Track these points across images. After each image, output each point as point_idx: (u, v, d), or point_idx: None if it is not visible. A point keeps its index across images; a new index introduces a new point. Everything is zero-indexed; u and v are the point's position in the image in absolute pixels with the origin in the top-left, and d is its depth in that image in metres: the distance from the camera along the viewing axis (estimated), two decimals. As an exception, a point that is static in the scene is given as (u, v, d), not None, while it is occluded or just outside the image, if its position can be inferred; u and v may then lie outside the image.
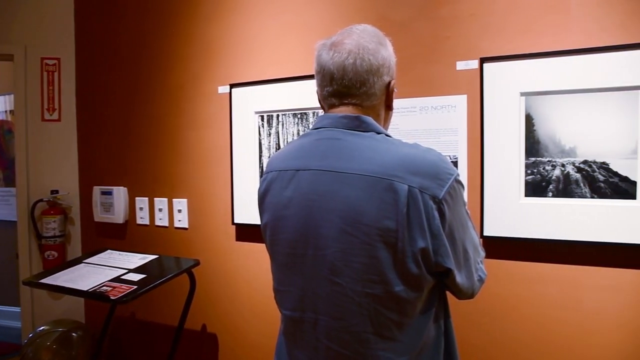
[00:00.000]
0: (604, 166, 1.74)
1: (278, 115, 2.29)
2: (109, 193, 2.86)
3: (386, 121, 1.24)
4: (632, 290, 1.75)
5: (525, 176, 1.83)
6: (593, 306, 1.80)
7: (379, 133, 1.12)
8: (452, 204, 1.06)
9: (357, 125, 1.11)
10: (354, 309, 1.06)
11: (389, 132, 1.21)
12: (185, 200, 2.66)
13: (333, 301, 1.08)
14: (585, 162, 1.76)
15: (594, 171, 1.75)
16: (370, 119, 1.13)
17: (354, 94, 1.13)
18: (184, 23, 2.64)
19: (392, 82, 1.18)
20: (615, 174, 1.72)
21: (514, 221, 1.85)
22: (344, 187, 1.05)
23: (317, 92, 1.20)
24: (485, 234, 1.88)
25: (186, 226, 2.67)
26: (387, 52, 1.17)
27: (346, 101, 1.15)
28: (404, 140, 1.13)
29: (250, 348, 2.49)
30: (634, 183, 1.70)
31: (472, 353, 1.96)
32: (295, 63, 2.28)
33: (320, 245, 1.08)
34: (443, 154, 1.86)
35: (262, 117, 2.34)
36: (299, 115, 2.23)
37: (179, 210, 2.64)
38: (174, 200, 2.69)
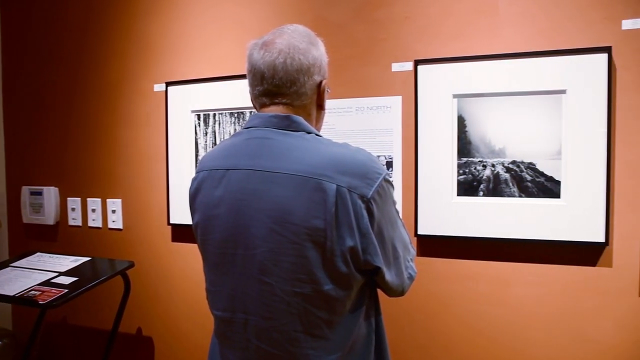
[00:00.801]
0: (531, 166, 1.80)
1: (215, 114, 2.26)
2: (39, 193, 2.74)
3: (318, 121, 1.24)
4: (556, 285, 1.82)
5: (458, 176, 1.87)
6: (520, 301, 1.86)
7: (309, 133, 1.12)
8: (380, 203, 1.07)
9: (287, 124, 1.11)
10: (284, 309, 1.06)
11: (323, 131, 1.22)
12: (119, 200, 2.58)
13: (263, 301, 1.07)
14: (513, 162, 1.81)
15: (521, 171, 1.81)
16: (300, 119, 1.13)
17: (285, 93, 1.13)
18: (120, 18, 2.57)
19: (324, 82, 1.18)
20: (542, 174, 1.79)
21: (446, 220, 1.89)
22: (273, 186, 1.05)
23: (250, 92, 1.20)
24: (419, 232, 1.91)
25: (120, 227, 2.59)
26: (319, 52, 1.17)
27: (277, 100, 1.14)
28: (334, 140, 1.13)
29: (187, 350, 2.44)
30: (559, 183, 1.77)
31: (407, 349, 2.00)
32: (232, 62, 2.26)
33: (250, 245, 1.07)
34: (378, 154, 1.92)
35: (199, 116, 2.30)
36: (235, 115, 2.21)
37: (113, 211, 2.56)
38: (107, 200, 2.60)
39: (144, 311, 2.55)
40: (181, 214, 2.35)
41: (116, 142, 2.59)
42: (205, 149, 2.28)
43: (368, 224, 1.04)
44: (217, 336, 1.22)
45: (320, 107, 1.21)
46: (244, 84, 2.11)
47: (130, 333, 2.59)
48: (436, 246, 1.94)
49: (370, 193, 1.04)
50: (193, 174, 2.26)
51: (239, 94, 2.17)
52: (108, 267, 2.33)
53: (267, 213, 1.04)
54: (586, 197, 1.75)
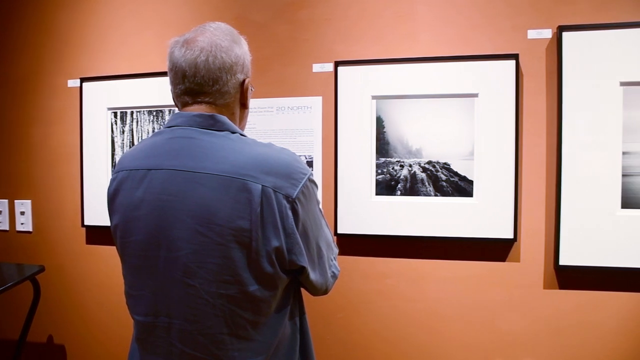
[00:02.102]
0: (446, 166, 1.86)
1: (132, 112, 2.19)
2: (-62, 195, 2.54)
3: (242, 120, 1.23)
4: (470, 280, 1.90)
5: (376, 176, 1.91)
6: (436, 296, 1.92)
7: (233, 132, 1.10)
8: (305, 203, 1.08)
9: (212, 124, 1.09)
10: (209, 311, 1.04)
11: (245, 131, 1.20)
12: (29, 201, 2.44)
13: (187, 304, 1.05)
14: (429, 162, 1.87)
15: (437, 171, 1.87)
16: (225, 118, 1.11)
17: (207, 92, 1.11)
18: (31, 8, 2.44)
19: (247, 81, 1.17)
20: (456, 173, 1.86)
21: (365, 219, 1.92)
22: (198, 187, 1.02)
23: (171, 90, 1.17)
24: (339, 231, 1.93)
25: (30, 229, 2.45)
26: (242, 50, 1.16)
27: (199, 99, 1.12)
28: (258, 140, 1.12)
29: (103, 358, 2.34)
30: (471, 182, 1.85)
31: (330, 347, 2.01)
32: (151, 59, 2.20)
33: (173, 247, 1.04)
34: (299, 153, 1.92)
35: (116, 113, 2.22)
36: (154, 113, 2.15)
37: (22, 213, 2.42)
38: (15, 201, 2.46)
39: (55, 318, 2.43)
40: (96, 215, 2.26)
41: (25, 140, 2.46)
42: (123, 148, 2.21)
43: (293, 224, 1.04)
44: (137, 342, 1.17)
45: (244, 106, 1.20)
46: (163, 81, 2.08)
47: (40, 342, 2.45)
48: (355, 244, 1.97)
49: (295, 193, 1.05)
50: (109, 174, 2.21)
51: (158, 91, 2.11)
52: (16, 272, 2.19)
53: (191, 214, 1.02)
54: (496, 196, 1.84)
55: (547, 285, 1.86)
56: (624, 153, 1.77)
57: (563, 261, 1.81)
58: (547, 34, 1.84)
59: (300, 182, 1.06)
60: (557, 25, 1.82)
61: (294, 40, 2.02)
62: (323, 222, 1.21)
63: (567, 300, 1.85)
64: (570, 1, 1.83)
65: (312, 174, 1.11)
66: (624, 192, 1.78)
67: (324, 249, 1.18)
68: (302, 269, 1.10)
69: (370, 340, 1.98)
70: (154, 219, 1.06)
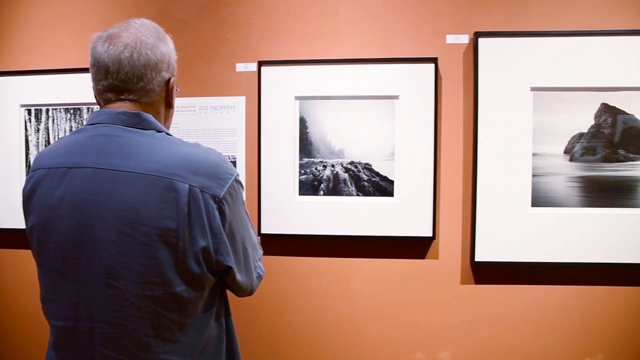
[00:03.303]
0: (367, 167, 1.90)
1: (48, 110, 2.10)
2: None
3: (167, 119, 1.20)
4: (391, 278, 1.94)
5: (300, 176, 1.92)
6: (360, 294, 1.96)
7: (159, 131, 1.08)
8: (232, 204, 1.07)
9: (137, 122, 1.06)
10: (134, 313, 1.01)
11: (170, 130, 1.18)
12: None
13: (110, 306, 1.01)
14: (352, 162, 1.90)
15: (359, 171, 1.90)
16: (151, 117, 1.08)
17: (131, 89, 1.08)
18: None
19: (172, 79, 1.15)
20: (377, 174, 1.90)
21: (289, 219, 1.93)
22: (122, 186, 1.00)
23: (93, 87, 1.12)
24: (262, 231, 1.93)
25: None
26: (167, 48, 1.14)
27: (123, 97, 1.09)
28: (184, 140, 1.11)
29: (18, 367, 2.24)
30: (392, 182, 1.89)
31: (255, 347, 2.01)
32: (68, 54, 2.11)
33: (96, 248, 1.00)
34: (222, 154, 1.90)
35: (30, 111, 2.12)
36: (72, 111, 2.07)
37: None
38: None
39: (-35, 326, 2.30)
40: (7, 217, 2.15)
41: None
42: (37, 147, 2.11)
43: (220, 224, 1.04)
44: (54, 349, 1.12)
45: (169, 105, 1.18)
46: (82, 78, 2.01)
47: (-52, 351, 2.32)
48: (279, 244, 1.97)
49: (223, 193, 1.04)
50: (23, 175, 2.11)
51: (76, 88, 2.03)
52: None
53: (115, 214, 0.99)
54: (416, 196, 1.89)
55: (464, 281, 1.93)
56: (534, 154, 1.86)
57: (478, 257, 1.88)
58: (465, 39, 1.91)
59: (228, 183, 1.06)
60: (473, 31, 1.88)
61: (217, 39, 2.00)
62: (249, 223, 1.21)
63: (482, 295, 1.93)
64: (487, 9, 1.90)
65: (238, 175, 1.11)
66: (533, 191, 1.87)
67: (249, 249, 1.18)
68: (229, 270, 1.09)
69: (294, 339, 1.99)
70: (75, 219, 1.02)
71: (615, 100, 1.84)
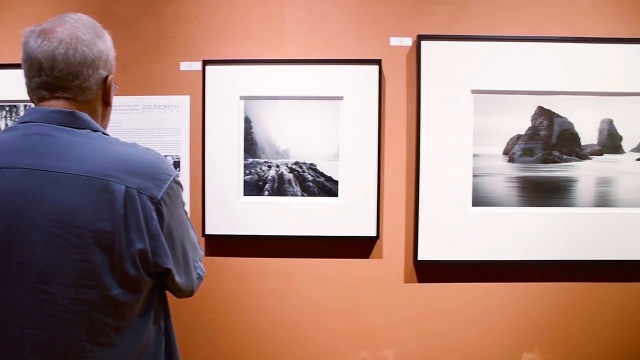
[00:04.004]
0: (312, 167, 1.91)
1: (-17, 107, 2.03)
2: None
3: (104, 118, 1.17)
4: (336, 277, 1.96)
5: (244, 176, 1.91)
6: (305, 294, 1.97)
7: (95, 131, 1.05)
8: (170, 205, 1.06)
9: (72, 121, 1.03)
10: (67, 318, 0.98)
11: (109, 130, 1.16)
12: None
13: (42, 312, 0.98)
14: (296, 163, 1.91)
15: (304, 171, 1.91)
16: (86, 116, 1.06)
17: (66, 87, 1.05)
18: None
19: (110, 77, 1.12)
20: (322, 174, 1.91)
21: (234, 219, 1.92)
22: (55, 187, 0.96)
23: (25, 84, 1.08)
24: (207, 232, 1.92)
25: None
26: (105, 45, 1.11)
27: (57, 94, 1.05)
28: (122, 140, 1.08)
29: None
30: (337, 182, 1.91)
31: (202, 348, 2.00)
32: (3, 49, 2.04)
33: (27, 252, 0.97)
34: (166, 153, 1.88)
35: (-37, 108, 2.04)
36: (7, 108, 2.01)
37: None
38: None
39: None
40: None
41: None
42: (-28, 145, 2.03)
43: (158, 225, 1.02)
44: None
45: (107, 103, 1.15)
46: (18, 74, 1.94)
47: None
48: (224, 245, 1.96)
49: (160, 194, 1.02)
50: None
51: (12, 84, 1.96)
52: None
53: (48, 216, 0.96)
54: (360, 196, 1.91)
55: (407, 280, 1.97)
56: (474, 155, 1.91)
57: (421, 256, 1.92)
58: (408, 41, 1.94)
59: (166, 183, 1.05)
60: (416, 34, 1.91)
61: (161, 37, 1.97)
62: (188, 224, 1.19)
63: (425, 293, 1.97)
64: (429, 12, 1.94)
65: (177, 175, 1.10)
66: (474, 191, 1.92)
67: (189, 250, 1.17)
68: (168, 271, 1.08)
69: (241, 340, 1.99)
70: (4, 222, 0.98)
71: (551, 103, 1.91)
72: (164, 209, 1.04)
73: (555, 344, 2.00)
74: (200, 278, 1.25)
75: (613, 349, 2.01)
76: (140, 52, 1.97)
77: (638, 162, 1.93)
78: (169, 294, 1.20)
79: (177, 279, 1.12)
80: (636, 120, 1.92)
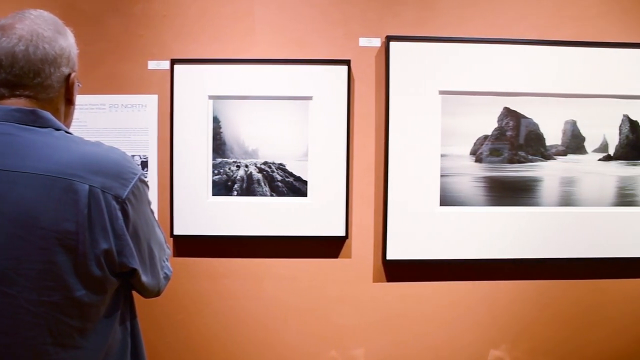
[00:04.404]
0: (281, 167, 1.91)
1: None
2: None
3: (67, 117, 1.15)
4: (305, 277, 1.97)
5: (213, 176, 1.90)
6: (274, 294, 1.97)
7: (58, 129, 1.04)
8: (136, 204, 1.05)
9: (33, 120, 1.01)
10: (29, 320, 0.96)
11: (73, 129, 1.14)
12: None
13: (3, 315, 0.96)
14: (265, 163, 1.91)
15: (273, 171, 1.91)
16: (48, 114, 1.04)
17: (27, 84, 1.03)
18: None
19: (73, 75, 1.10)
20: (291, 174, 1.91)
21: (203, 220, 1.91)
22: (17, 187, 0.94)
23: None
24: (175, 233, 1.90)
25: None
26: (67, 42, 1.09)
27: (18, 92, 1.03)
28: (87, 139, 1.07)
29: None
30: (306, 182, 1.91)
31: (172, 349, 1.98)
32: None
33: None
34: (133, 153, 1.86)
35: None
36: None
37: None
38: None
39: None
40: None
41: None
42: None
43: (123, 225, 1.01)
44: None
45: (70, 102, 1.13)
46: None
47: None
48: (193, 246, 1.95)
49: (125, 194, 1.01)
50: None
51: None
52: None
53: (8, 217, 0.94)
54: (329, 196, 1.92)
55: (376, 279, 1.98)
56: (442, 155, 1.93)
57: (390, 256, 1.94)
58: (377, 42, 1.95)
59: (131, 182, 1.03)
60: (385, 35, 1.93)
61: (129, 35, 1.95)
62: (155, 223, 1.18)
63: (394, 292, 1.99)
64: (398, 13, 1.95)
65: (143, 174, 1.09)
66: (442, 191, 1.94)
67: (155, 250, 1.16)
68: (134, 272, 1.07)
69: (211, 341, 1.98)
70: None
71: (517, 104, 1.94)
72: (129, 208, 1.03)
73: (522, 341, 2.04)
74: (167, 278, 1.24)
75: (578, 345, 2.06)
76: (107, 50, 1.95)
77: (600, 162, 1.97)
78: (135, 295, 1.20)
79: (144, 279, 1.11)
80: (598, 121, 1.97)
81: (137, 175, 1.07)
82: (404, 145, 1.92)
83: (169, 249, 1.29)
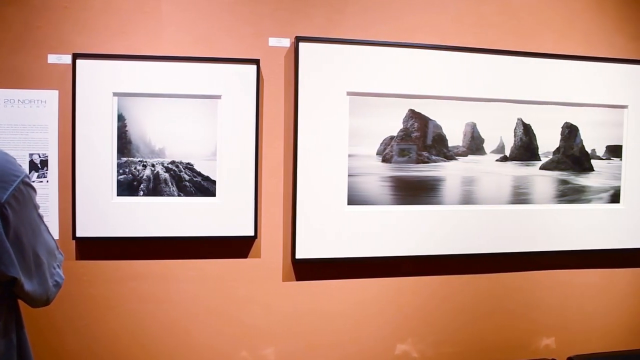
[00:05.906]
0: (189, 166, 1.88)
1: None
2: None
3: None
4: (214, 278, 1.96)
5: (118, 176, 1.85)
6: (183, 296, 1.95)
7: None
8: (18, 208, 0.99)
9: None
10: None
11: None
12: None
13: None
14: (173, 162, 1.87)
15: (180, 171, 1.88)
16: None
17: None
18: None
19: None
20: (199, 173, 1.89)
21: (107, 221, 1.85)
22: None
23: None
24: (78, 235, 1.83)
25: None
26: None
27: None
28: None
29: None
30: (214, 182, 1.89)
31: (78, 355, 1.90)
32: None
33: None
34: (31, 151, 1.78)
35: None
36: None
37: None
38: None
39: None
40: None
41: None
42: None
43: (2, 231, 0.96)
44: None
45: None
46: None
47: None
48: (97, 248, 1.89)
49: (5, 197, 0.96)
50: None
51: None
52: None
53: None
54: (238, 195, 1.91)
55: (285, 278, 2.00)
56: (349, 155, 1.98)
57: (299, 255, 1.96)
58: (286, 42, 1.97)
59: (12, 185, 0.98)
60: (295, 36, 1.94)
61: (26, 26, 1.85)
62: (42, 228, 1.13)
63: (303, 291, 2.02)
64: (307, 15, 1.97)
65: (27, 176, 1.03)
66: (349, 190, 1.98)
67: (43, 257, 1.10)
68: (15, 280, 1.01)
69: (119, 345, 1.92)
70: None
71: (421, 107, 2.01)
72: (10, 213, 0.98)
73: (427, 335, 2.13)
74: (58, 285, 1.18)
75: (483, 338, 2.17)
76: (2, 42, 1.84)
77: (497, 162, 2.08)
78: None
79: (28, 287, 1.06)
80: (496, 124, 2.08)
81: (20, 178, 1.02)
82: (313, 145, 1.94)
83: (61, 255, 1.24)
